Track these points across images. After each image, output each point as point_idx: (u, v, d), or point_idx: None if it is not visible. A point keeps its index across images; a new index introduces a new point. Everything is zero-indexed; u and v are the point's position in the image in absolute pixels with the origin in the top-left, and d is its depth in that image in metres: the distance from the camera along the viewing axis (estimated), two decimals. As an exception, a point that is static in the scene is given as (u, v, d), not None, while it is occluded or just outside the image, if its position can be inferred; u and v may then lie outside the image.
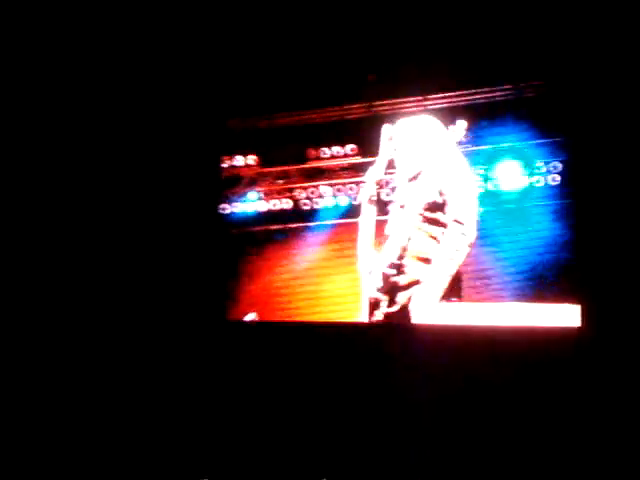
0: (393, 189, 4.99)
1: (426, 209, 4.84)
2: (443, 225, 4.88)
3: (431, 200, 4.80)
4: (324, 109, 5.60)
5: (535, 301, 4.84)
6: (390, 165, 5.02)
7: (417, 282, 4.85)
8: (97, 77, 5.62)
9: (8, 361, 5.30)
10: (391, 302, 4.89)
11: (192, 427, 5.21)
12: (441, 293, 4.78)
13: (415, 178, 5.00)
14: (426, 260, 4.87)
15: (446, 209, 4.86)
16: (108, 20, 5.56)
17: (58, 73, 5.58)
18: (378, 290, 4.86)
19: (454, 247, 4.84)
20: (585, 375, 4.56)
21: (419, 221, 4.84)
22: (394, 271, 4.81)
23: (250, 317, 5.44)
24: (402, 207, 4.94)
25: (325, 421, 5.00)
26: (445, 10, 5.14)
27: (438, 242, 4.88)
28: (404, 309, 4.85)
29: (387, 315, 4.90)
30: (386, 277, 4.85)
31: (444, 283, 4.79)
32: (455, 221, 4.87)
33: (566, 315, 4.65)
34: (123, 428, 5.21)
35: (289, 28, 5.49)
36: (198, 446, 5.12)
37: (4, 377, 5.27)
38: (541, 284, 5.07)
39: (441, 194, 4.83)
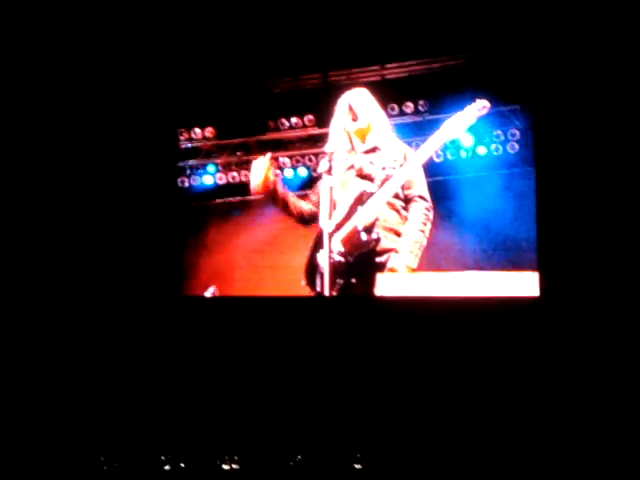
0: (348, 159, 4.95)
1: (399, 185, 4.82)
2: (404, 199, 4.86)
3: (406, 177, 4.78)
4: (281, 79, 5.57)
5: (495, 269, 4.83)
6: (347, 135, 4.97)
7: (387, 252, 4.83)
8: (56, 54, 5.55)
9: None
10: (355, 271, 4.87)
11: (151, 406, 5.19)
12: (413, 264, 4.77)
13: (372, 150, 4.97)
14: (393, 231, 4.85)
15: (407, 184, 4.84)
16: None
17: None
18: (340, 257, 4.83)
19: (422, 220, 4.82)
20: (543, 344, 4.58)
21: (390, 195, 4.81)
22: (368, 239, 4.78)
23: (210, 291, 5.41)
24: (361, 177, 4.90)
25: (287, 398, 4.99)
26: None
27: (401, 215, 4.87)
28: (369, 279, 4.83)
29: (350, 285, 4.86)
30: (354, 245, 4.82)
31: (415, 254, 4.78)
32: (420, 197, 4.85)
33: (525, 283, 4.65)
34: (85, 406, 5.19)
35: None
36: (156, 424, 5.10)
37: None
38: (500, 252, 5.10)
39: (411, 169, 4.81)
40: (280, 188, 4.99)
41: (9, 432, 5.00)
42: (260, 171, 4.77)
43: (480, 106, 4.74)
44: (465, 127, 4.74)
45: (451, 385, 4.72)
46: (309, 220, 5.05)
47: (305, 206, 5.08)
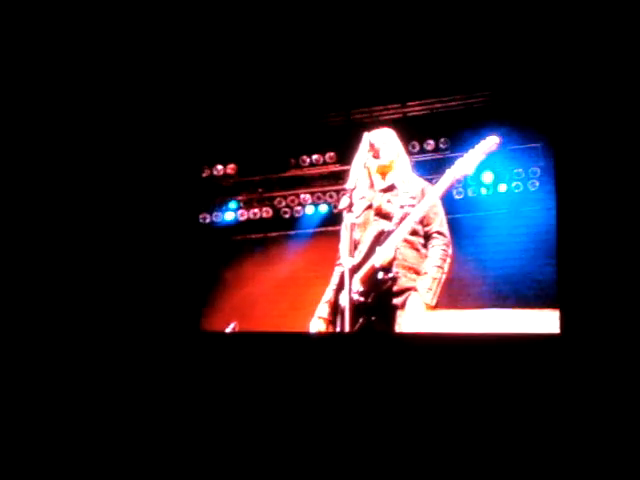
0: (366, 197, 5.00)
1: (416, 222, 4.87)
2: (424, 236, 4.90)
3: (423, 214, 4.83)
4: (303, 117, 5.60)
5: (515, 307, 4.83)
6: (368, 172, 5.02)
7: (406, 290, 4.85)
8: (80, 81, 5.60)
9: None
10: (375, 310, 4.89)
11: (169, 439, 5.19)
12: (432, 302, 4.79)
13: (391, 189, 5.01)
14: (412, 269, 4.88)
15: (426, 221, 4.89)
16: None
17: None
18: (360, 296, 4.85)
19: (440, 257, 4.86)
20: (565, 381, 4.55)
21: (406, 232, 4.86)
22: (385, 278, 4.82)
23: (231, 327, 5.43)
24: (380, 216, 4.95)
25: (307, 433, 4.99)
26: (422, 18, 5.12)
27: (420, 253, 4.90)
28: (389, 317, 4.86)
29: (370, 323, 4.88)
30: (373, 284, 4.85)
31: (434, 292, 4.80)
32: (439, 233, 4.89)
33: (546, 321, 4.64)
34: (96, 439, 5.19)
35: (269, 38, 5.48)
36: (174, 458, 5.11)
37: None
38: (521, 290, 5.08)
39: (425, 207, 4.87)
40: None
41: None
42: None
43: (490, 143, 4.81)
44: (475, 164, 4.82)
45: (470, 423, 4.70)
46: None
47: None
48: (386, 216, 4.93)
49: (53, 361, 5.35)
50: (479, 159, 4.84)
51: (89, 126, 5.62)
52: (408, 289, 4.83)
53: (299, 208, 5.64)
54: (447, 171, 4.87)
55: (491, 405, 4.66)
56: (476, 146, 4.84)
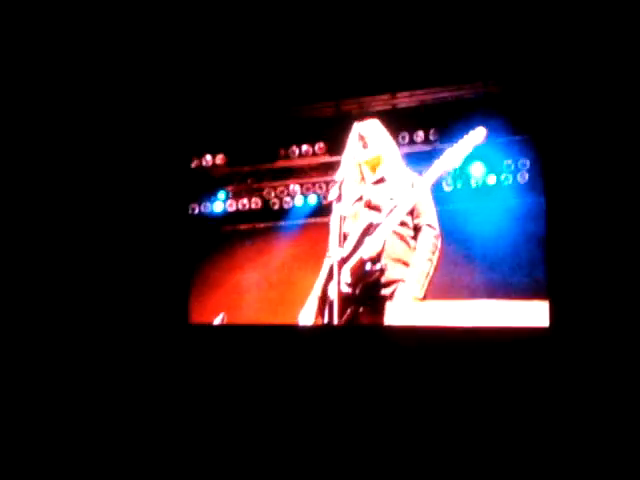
0: (356, 189, 4.99)
1: (405, 213, 4.87)
2: (413, 228, 4.90)
3: (412, 206, 4.83)
4: (292, 108, 5.59)
5: (504, 299, 4.82)
6: (358, 165, 5.01)
7: (394, 282, 4.85)
8: (69, 73, 5.59)
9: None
10: (363, 301, 4.89)
11: (160, 433, 5.19)
12: (420, 294, 4.80)
13: (381, 181, 5.01)
14: (401, 261, 4.88)
15: (415, 213, 4.89)
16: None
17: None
18: (348, 287, 4.86)
19: (430, 249, 4.86)
20: (554, 374, 4.55)
21: (395, 224, 4.85)
22: (373, 269, 4.82)
23: (219, 318, 5.42)
24: (369, 208, 4.94)
25: (296, 426, 4.99)
26: (412, 9, 5.11)
27: (409, 244, 4.90)
28: (377, 308, 4.86)
29: (358, 314, 4.89)
30: (362, 276, 4.85)
31: (422, 284, 4.80)
32: (428, 225, 4.89)
33: (535, 312, 4.64)
34: (85, 433, 5.19)
35: (258, 28, 5.46)
36: (164, 452, 5.10)
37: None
38: (510, 282, 5.08)
39: (414, 199, 4.86)
40: None
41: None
42: None
43: (477, 135, 4.80)
44: (463, 156, 4.82)
45: (459, 415, 4.70)
46: None
47: None
48: (375, 208, 4.92)
49: (41, 355, 5.35)
50: (468, 151, 4.83)
51: (78, 118, 5.60)
52: (396, 280, 4.83)
53: (288, 199, 5.63)
54: (436, 162, 4.85)
55: (480, 398, 4.67)
56: (465, 137, 4.83)
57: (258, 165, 5.73)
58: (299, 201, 5.59)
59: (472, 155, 4.95)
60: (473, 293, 5.05)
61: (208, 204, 5.82)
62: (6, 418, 5.16)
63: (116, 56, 5.58)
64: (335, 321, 4.74)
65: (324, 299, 4.95)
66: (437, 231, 4.91)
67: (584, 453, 4.37)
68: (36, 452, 5.05)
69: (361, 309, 4.86)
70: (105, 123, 5.61)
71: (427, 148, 5.37)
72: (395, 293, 4.82)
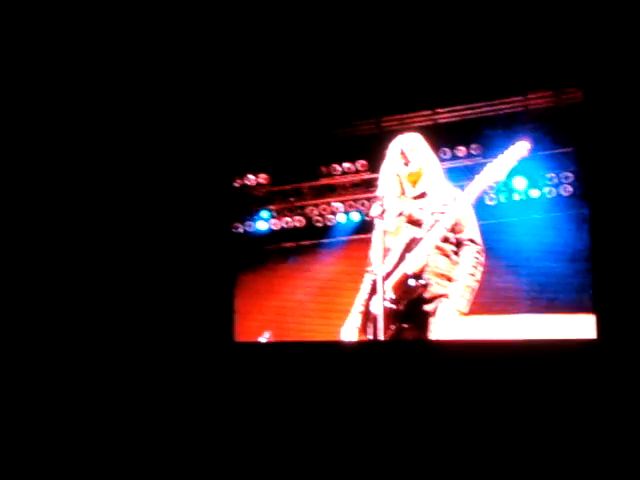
0: (397, 204, 5.02)
1: (447, 229, 4.88)
2: (455, 243, 4.90)
3: (454, 221, 4.84)
4: (334, 126, 5.61)
5: (550, 313, 4.80)
6: (399, 180, 5.04)
7: (438, 297, 4.86)
8: (115, 91, 5.67)
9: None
10: (407, 317, 4.90)
11: (205, 450, 5.22)
12: (464, 309, 4.79)
13: (422, 196, 5.02)
14: (444, 276, 4.89)
15: (458, 228, 4.89)
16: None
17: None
18: (392, 303, 4.86)
19: (473, 264, 4.86)
20: (602, 387, 4.51)
21: (438, 239, 4.86)
22: (417, 285, 4.83)
23: (265, 336, 5.44)
24: (411, 223, 4.96)
25: (342, 442, 4.99)
26: (453, 24, 5.12)
27: (451, 259, 4.90)
28: (421, 324, 4.86)
29: (402, 330, 4.89)
30: (405, 291, 4.86)
31: (467, 299, 4.80)
32: (471, 240, 4.90)
33: (581, 326, 4.61)
34: (128, 450, 5.24)
35: (295, 45, 5.50)
36: (207, 468, 5.13)
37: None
38: (555, 296, 5.04)
39: (456, 214, 4.87)
40: None
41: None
42: None
43: (521, 148, 4.79)
44: (507, 169, 4.82)
45: (506, 429, 4.68)
46: None
47: None
48: (417, 223, 4.94)
49: (82, 370, 5.41)
50: (510, 164, 4.83)
51: (125, 138, 5.68)
52: (440, 296, 4.84)
53: (331, 216, 5.64)
54: (478, 177, 4.86)
55: (527, 413, 4.64)
56: (507, 151, 4.83)
57: (300, 183, 5.75)
58: (342, 218, 5.59)
59: (514, 169, 4.95)
60: (518, 307, 5.01)
61: (252, 223, 5.84)
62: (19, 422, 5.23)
63: (161, 75, 5.65)
64: (380, 337, 4.75)
65: (367, 315, 4.96)
66: (480, 246, 4.91)
67: (632, 463, 4.34)
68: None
69: (405, 325, 4.86)
70: (151, 143, 5.68)
71: (469, 163, 5.35)
72: (439, 308, 4.82)
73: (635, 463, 4.34)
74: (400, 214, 5.01)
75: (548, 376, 4.65)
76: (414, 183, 5.05)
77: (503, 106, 5.29)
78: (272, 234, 5.83)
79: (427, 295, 4.84)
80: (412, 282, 4.83)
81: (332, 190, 5.67)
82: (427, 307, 4.85)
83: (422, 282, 4.82)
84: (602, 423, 4.47)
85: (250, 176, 5.81)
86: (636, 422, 4.39)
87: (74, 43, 5.54)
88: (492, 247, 5.01)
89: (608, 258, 4.62)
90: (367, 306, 4.98)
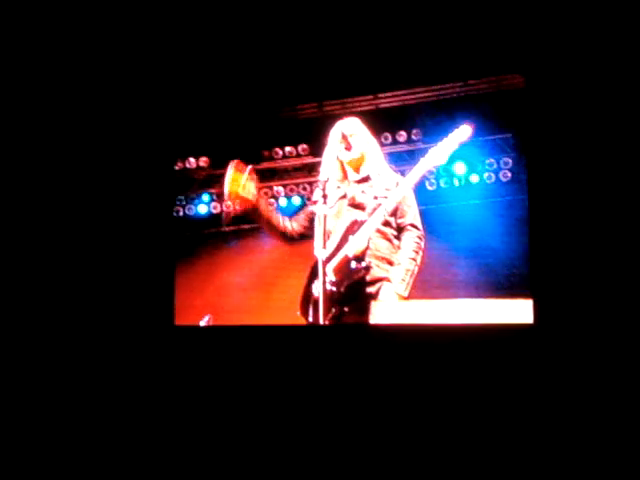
0: (340, 188, 5.02)
1: (388, 213, 4.89)
2: (396, 228, 4.93)
3: (395, 205, 4.86)
4: (275, 109, 5.60)
5: (488, 297, 4.84)
6: (340, 164, 5.05)
7: (379, 280, 4.87)
8: (56, 74, 5.58)
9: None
10: (348, 300, 4.91)
11: (146, 435, 5.19)
12: (404, 293, 4.82)
13: (365, 180, 5.04)
14: (385, 260, 4.91)
15: (399, 213, 4.91)
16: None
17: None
18: (333, 286, 4.87)
19: (414, 249, 4.88)
20: (538, 371, 4.57)
21: (379, 223, 4.88)
22: (358, 268, 4.84)
23: (205, 320, 5.42)
24: (353, 206, 4.97)
25: (281, 426, 4.99)
26: (393, 9, 5.13)
27: (392, 244, 4.93)
28: (362, 307, 4.87)
29: (343, 313, 4.90)
30: (346, 274, 4.86)
31: (407, 283, 4.83)
32: (412, 225, 4.93)
33: (519, 310, 4.66)
34: (68, 436, 5.19)
35: (240, 29, 5.47)
36: (151, 454, 5.10)
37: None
38: (495, 280, 5.09)
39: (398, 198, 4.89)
40: (263, 204, 5.20)
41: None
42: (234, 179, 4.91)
43: (463, 133, 4.83)
44: (448, 154, 4.85)
45: (444, 414, 4.72)
46: (293, 239, 5.22)
47: (291, 224, 5.19)
48: (359, 206, 4.96)
49: (24, 353, 5.35)
50: (451, 149, 4.86)
51: (64, 119, 5.59)
52: (381, 279, 4.86)
53: (272, 200, 5.62)
54: (421, 161, 4.89)
55: (465, 395, 4.69)
56: (449, 135, 4.86)
57: (241, 167, 5.72)
58: (283, 202, 5.58)
59: (455, 154, 4.99)
60: (457, 292, 5.05)
61: (192, 207, 5.80)
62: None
63: (101, 56, 5.58)
64: (320, 320, 4.75)
65: (308, 298, 4.96)
66: (421, 231, 4.94)
67: (568, 449, 4.40)
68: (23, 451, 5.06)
69: (346, 308, 4.88)
70: (90, 125, 5.60)
71: (410, 148, 5.38)
72: (380, 292, 4.85)
73: (570, 446, 4.41)
74: (342, 197, 5.02)
75: (486, 360, 4.69)
76: (356, 167, 5.06)
77: (444, 91, 5.32)
78: (212, 217, 5.80)
79: (368, 278, 4.86)
80: (353, 265, 4.85)
81: (273, 174, 5.66)
82: (368, 290, 4.86)
83: (363, 264, 4.84)
84: (538, 407, 4.53)
85: (191, 159, 5.77)
86: (571, 406, 4.45)
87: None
88: (432, 232, 5.05)
89: (546, 244, 4.67)
90: (308, 289, 4.97)
